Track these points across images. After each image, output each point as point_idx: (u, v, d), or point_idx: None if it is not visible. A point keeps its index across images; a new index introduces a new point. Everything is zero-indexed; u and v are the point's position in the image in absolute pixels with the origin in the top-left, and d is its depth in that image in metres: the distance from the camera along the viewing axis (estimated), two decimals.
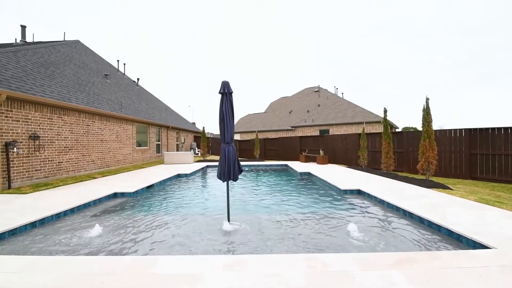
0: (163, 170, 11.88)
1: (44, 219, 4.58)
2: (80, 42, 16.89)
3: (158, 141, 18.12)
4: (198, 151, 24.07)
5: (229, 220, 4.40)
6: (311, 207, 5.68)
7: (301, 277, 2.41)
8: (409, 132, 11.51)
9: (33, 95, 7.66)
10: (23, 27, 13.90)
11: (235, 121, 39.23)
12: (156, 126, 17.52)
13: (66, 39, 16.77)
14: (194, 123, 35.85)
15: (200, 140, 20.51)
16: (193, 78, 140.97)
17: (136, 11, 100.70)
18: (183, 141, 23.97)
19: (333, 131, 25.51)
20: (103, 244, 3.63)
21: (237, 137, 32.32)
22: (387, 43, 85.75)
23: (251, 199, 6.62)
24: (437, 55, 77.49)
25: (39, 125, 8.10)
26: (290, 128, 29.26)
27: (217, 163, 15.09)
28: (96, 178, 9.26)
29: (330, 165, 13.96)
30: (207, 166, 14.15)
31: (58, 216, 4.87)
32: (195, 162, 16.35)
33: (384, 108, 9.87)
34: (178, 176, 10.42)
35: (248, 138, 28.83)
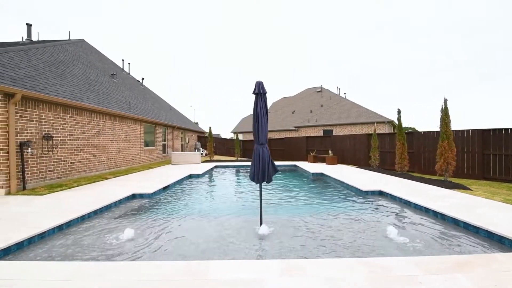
0: (172, 170, 11.76)
1: (70, 221, 4.47)
2: (85, 41, 16.70)
3: (164, 141, 17.99)
4: (202, 151, 23.94)
5: (261, 223, 4.32)
6: (338, 209, 5.61)
7: (365, 282, 2.35)
8: (420, 133, 11.50)
9: (47, 94, 7.53)
10: (29, 26, 13.68)
11: (238, 121, 39.33)
12: (162, 126, 17.38)
13: (70, 39, 16.56)
14: (197, 123, 35.70)
15: (207, 140, 20.40)
16: (194, 78, 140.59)
17: (136, 11, 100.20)
18: (187, 141, 23.83)
19: (337, 131, 25.50)
20: (140, 248, 3.53)
21: (240, 136, 32.19)
22: (387, 43, 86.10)
23: (270, 199, 6.53)
24: (437, 55, 77.92)
25: (52, 125, 7.96)
26: (294, 128, 29.22)
27: (224, 164, 15.05)
28: (108, 178, 9.13)
29: (339, 165, 13.92)
30: (216, 167, 14.06)
31: (83, 218, 4.77)
32: (202, 162, 16.25)
33: (398, 109, 9.88)
34: (190, 176, 10.32)
35: (251, 138, 28.72)
